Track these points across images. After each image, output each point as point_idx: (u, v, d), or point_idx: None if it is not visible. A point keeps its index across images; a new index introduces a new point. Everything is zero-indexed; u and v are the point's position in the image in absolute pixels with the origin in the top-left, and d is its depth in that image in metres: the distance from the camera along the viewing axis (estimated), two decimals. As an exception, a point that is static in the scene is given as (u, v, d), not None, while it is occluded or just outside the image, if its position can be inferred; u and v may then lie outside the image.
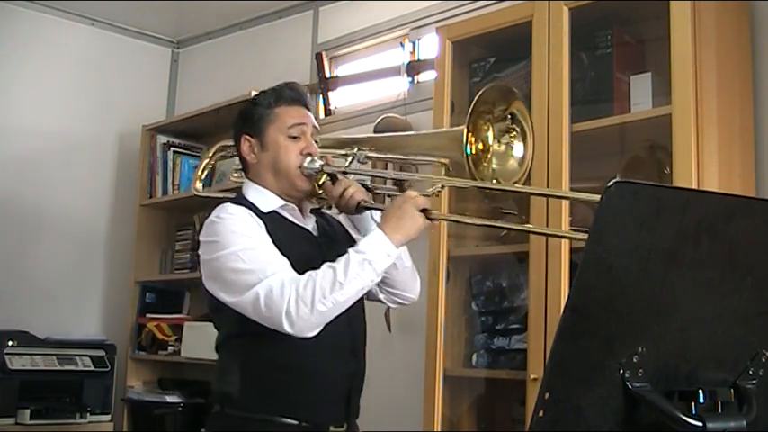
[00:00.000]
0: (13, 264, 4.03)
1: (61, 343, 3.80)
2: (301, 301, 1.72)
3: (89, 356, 3.83)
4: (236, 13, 4.28)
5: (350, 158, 2.06)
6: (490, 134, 1.88)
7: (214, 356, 3.48)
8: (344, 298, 1.75)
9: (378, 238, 1.78)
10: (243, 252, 1.81)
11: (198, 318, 3.87)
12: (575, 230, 2.23)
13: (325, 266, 1.77)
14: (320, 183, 1.99)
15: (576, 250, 2.44)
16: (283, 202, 1.99)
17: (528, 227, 2.16)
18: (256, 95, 2.07)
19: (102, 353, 3.88)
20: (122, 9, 4.28)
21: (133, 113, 4.37)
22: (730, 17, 2.53)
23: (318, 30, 4.00)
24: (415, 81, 3.53)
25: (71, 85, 4.30)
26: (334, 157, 2.10)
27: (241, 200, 1.98)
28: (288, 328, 1.74)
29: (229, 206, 1.93)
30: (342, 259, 1.76)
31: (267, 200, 1.98)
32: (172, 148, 4.13)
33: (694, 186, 2.21)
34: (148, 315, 4.04)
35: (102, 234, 4.35)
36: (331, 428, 1.93)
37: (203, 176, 2.47)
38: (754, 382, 1.19)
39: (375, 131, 3.37)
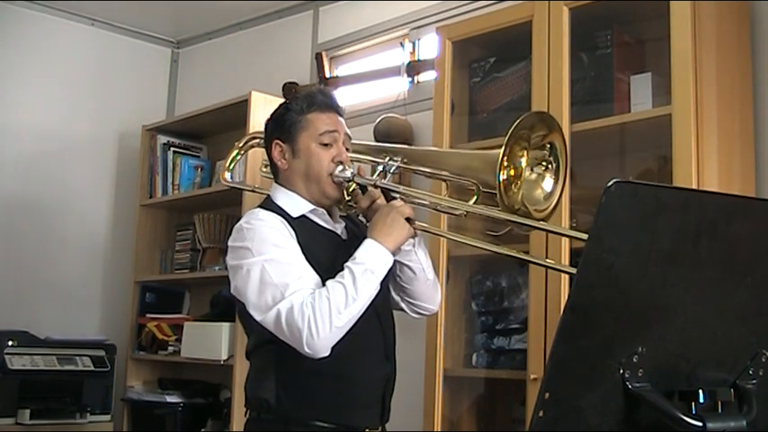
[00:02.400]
0: (13, 263, 4.03)
1: (61, 343, 3.80)
2: (320, 320, 1.73)
3: (89, 356, 3.82)
4: (236, 13, 4.28)
5: (380, 167, 2.05)
6: (524, 160, 1.83)
7: (214, 356, 3.52)
8: (357, 311, 1.77)
9: (374, 248, 1.82)
10: (269, 263, 1.82)
11: (198, 318, 3.88)
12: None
13: (332, 283, 1.78)
14: (350, 191, 1.99)
15: (577, 250, 2.44)
16: (313, 207, 1.99)
17: (514, 252, 2.05)
18: (288, 102, 2.06)
19: (102, 353, 3.87)
20: (122, 9, 4.28)
21: (133, 113, 4.37)
22: (730, 17, 2.53)
23: (318, 30, 3.99)
24: (415, 81, 3.53)
25: (71, 85, 4.30)
26: (364, 163, 2.11)
27: (270, 204, 1.98)
28: (307, 350, 1.75)
29: (260, 212, 1.93)
30: (345, 274, 1.79)
31: (297, 204, 1.98)
32: (172, 148, 4.13)
33: (694, 186, 2.21)
34: (148, 315, 4.03)
35: (102, 234, 4.35)
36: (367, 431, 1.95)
37: (230, 168, 2.46)
38: (754, 382, 1.19)
39: (375, 131, 3.37)
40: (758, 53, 2.58)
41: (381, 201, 1.95)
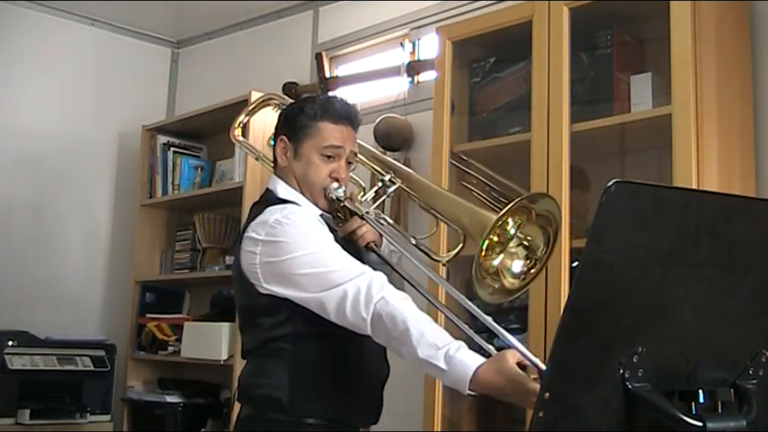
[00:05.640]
0: (13, 263, 4.03)
1: (61, 343, 3.79)
2: (385, 323, 1.70)
3: (89, 356, 3.82)
4: (236, 13, 4.28)
5: (379, 184, 2.04)
6: (513, 231, 1.78)
7: (214, 356, 3.52)
8: (404, 357, 1.71)
9: (468, 371, 1.63)
10: (320, 254, 1.81)
11: (198, 318, 3.88)
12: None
13: (426, 323, 1.70)
14: (340, 207, 1.97)
15: (577, 250, 2.44)
16: (321, 211, 1.99)
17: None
18: (305, 102, 2.03)
19: (102, 353, 3.87)
20: (122, 9, 4.28)
21: (133, 113, 4.37)
22: (730, 17, 2.53)
23: (318, 30, 4.00)
24: (415, 81, 3.53)
25: (71, 85, 4.30)
26: (371, 171, 2.11)
27: (276, 201, 1.96)
28: (370, 332, 1.73)
29: (291, 207, 1.91)
30: (440, 340, 1.67)
31: (304, 204, 1.97)
32: (172, 148, 4.13)
33: (694, 186, 2.20)
34: (148, 315, 4.03)
35: (103, 234, 4.35)
36: (361, 430, 1.96)
37: (239, 126, 2.48)
38: (754, 382, 1.19)
39: (375, 131, 3.37)
40: (758, 53, 2.58)
41: (365, 228, 1.93)
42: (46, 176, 4.18)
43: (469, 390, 1.63)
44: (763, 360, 1.21)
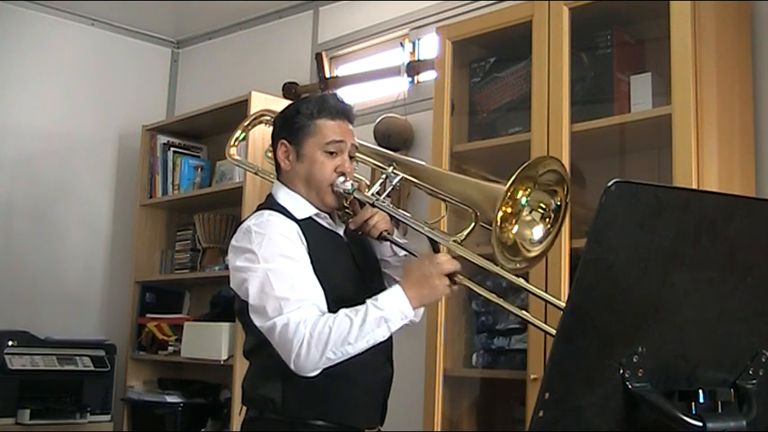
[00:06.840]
0: (13, 263, 4.03)
1: (61, 343, 3.80)
2: (314, 346, 1.74)
3: (89, 356, 3.83)
4: (236, 13, 4.29)
5: (383, 176, 2.04)
6: (524, 200, 1.78)
7: (214, 356, 3.53)
8: (354, 352, 1.77)
9: (398, 298, 1.78)
10: (272, 273, 1.82)
11: (198, 318, 3.88)
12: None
13: (343, 314, 1.77)
14: (348, 201, 1.99)
15: (577, 250, 2.45)
16: (317, 210, 1.99)
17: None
18: (300, 103, 2.04)
19: (102, 353, 3.88)
20: (122, 9, 4.28)
21: (133, 113, 4.38)
22: (730, 17, 2.53)
23: (318, 30, 4.00)
24: (415, 81, 3.53)
25: (71, 85, 4.30)
26: (373, 167, 2.11)
27: (274, 205, 1.97)
28: (292, 367, 1.77)
29: (271, 215, 1.92)
30: (360, 312, 1.76)
31: (301, 206, 1.98)
32: (172, 148, 4.13)
33: (694, 186, 2.21)
34: (148, 315, 4.03)
35: (102, 234, 4.35)
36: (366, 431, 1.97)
37: (236, 144, 2.51)
38: (754, 382, 1.19)
39: (375, 131, 3.37)
40: (758, 53, 2.58)
41: (378, 217, 1.95)
42: (46, 176, 4.18)
43: (410, 305, 1.77)
44: (763, 360, 1.21)
